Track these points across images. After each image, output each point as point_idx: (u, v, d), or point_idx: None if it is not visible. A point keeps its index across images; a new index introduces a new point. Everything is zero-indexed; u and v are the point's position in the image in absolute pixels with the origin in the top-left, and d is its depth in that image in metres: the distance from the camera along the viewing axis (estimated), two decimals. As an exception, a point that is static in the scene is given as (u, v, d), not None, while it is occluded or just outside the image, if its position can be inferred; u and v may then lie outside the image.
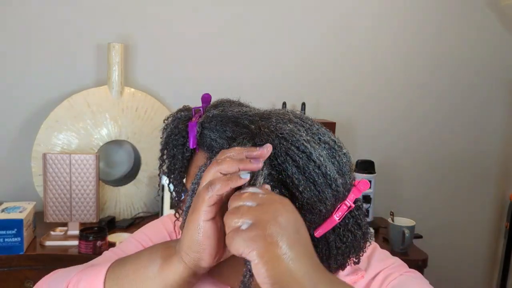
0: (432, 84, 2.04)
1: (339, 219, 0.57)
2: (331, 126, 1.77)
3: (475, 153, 2.11)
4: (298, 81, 1.92)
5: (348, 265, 0.63)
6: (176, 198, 0.65)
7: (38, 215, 1.54)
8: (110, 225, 1.59)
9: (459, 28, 2.02)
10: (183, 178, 0.63)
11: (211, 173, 0.49)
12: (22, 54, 1.69)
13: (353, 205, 0.58)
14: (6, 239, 1.36)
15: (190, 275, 0.53)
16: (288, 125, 0.56)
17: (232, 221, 0.45)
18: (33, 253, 1.40)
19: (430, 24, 2.00)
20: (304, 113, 2.03)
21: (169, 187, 0.65)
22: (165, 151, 0.63)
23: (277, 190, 0.53)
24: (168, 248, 0.55)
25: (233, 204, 0.47)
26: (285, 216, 0.45)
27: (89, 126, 1.66)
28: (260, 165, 0.50)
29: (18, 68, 1.70)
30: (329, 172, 0.55)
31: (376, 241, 1.67)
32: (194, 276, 0.54)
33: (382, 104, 2.01)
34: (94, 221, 1.53)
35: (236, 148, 0.51)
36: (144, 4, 1.76)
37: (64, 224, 1.54)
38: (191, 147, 0.59)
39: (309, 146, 0.54)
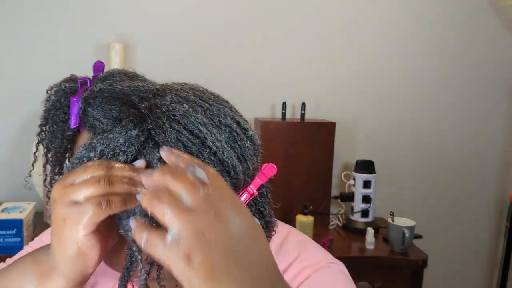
0: (432, 84, 2.04)
1: None
2: (331, 126, 1.77)
3: (475, 153, 2.11)
4: (298, 81, 1.92)
5: None
6: (50, 182, 0.57)
7: (38, 215, 1.54)
8: (110, 225, 1.58)
9: (459, 28, 2.02)
10: (61, 159, 0.56)
11: (96, 189, 0.43)
12: (22, 54, 1.69)
13: (256, 192, 0.54)
14: (6, 239, 1.36)
15: (76, 285, 0.48)
16: (184, 105, 0.49)
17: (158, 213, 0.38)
18: (33, 253, 1.40)
19: (430, 24, 2.00)
20: (304, 113, 2.01)
21: (44, 168, 0.57)
22: (45, 127, 0.55)
23: None
24: (39, 263, 0.49)
25: (157, 188, 0.40)
26: (237, 229, 0.39)
27: (89, 126, 1.66)
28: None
29: (18, 68, 1.69)
30: (226, 159, 0.49)
31: (376, 241, 1.69)
32: (80, 284, 0.48)
33: (382, 104, 2.01)
34: (94, 221, 1.52)
35: (122, 166, 0.45)
36: (144, 4, 1.76)
37: (64, 224, 1.54)
38: (71, 126, 0.52)
39: (204, 130, 0.48)
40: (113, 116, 0.50)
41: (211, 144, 0.48)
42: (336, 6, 1.91)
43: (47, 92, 0.55)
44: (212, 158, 0.48)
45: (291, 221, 1.67)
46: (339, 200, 1.84)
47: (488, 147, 2.13)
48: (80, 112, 0.51)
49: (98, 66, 0.58)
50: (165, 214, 0.38)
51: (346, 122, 1.96)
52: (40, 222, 1.53)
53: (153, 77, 1.80)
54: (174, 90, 0.52)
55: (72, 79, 0.55)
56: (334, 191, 1.88)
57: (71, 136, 0.54)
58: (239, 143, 0.52)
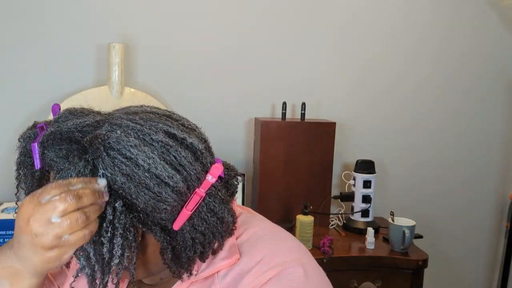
0: (431, 84, 2.04)
1: (191, 211, 0.58)
2: (331, 126, 1.77)
3: (475, 153, 2.11)
4: (298, 81, 1.92)
5: (209, 253, 0.63)
6: None
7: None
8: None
9: (459, 28, 2.02)
10: None
11: (69, 206, 0.53)
12: (22, 54, 1.69)
13: (203, 194, 0.59)
14: (6, 239, 1.37)
15: (44, 279, 0.60)
16: (117, 131, 0.56)
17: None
18: (33, 253, 1.40)
19: (430, 24, 2.00)
20: (304, 113, 2.00)
21: None
22: (19, 171, 0.65)
23: (120, 201, 0.55)
24: (7, 268, 0.59)
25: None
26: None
27: (89, 126, 1.66)
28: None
29: (18, 68, 1.69)
30: (161, 172, 0.55)
31: (376, 241, 1.69)
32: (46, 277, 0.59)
33: (382, 104, 2.01)
34: (94, 221, 1.52)
35: (80, 180, 0.55)
36: (144, 4, 1.76)
37: (64, 224, 1.54)
38: (36, 168, 0.60)
39: (135, 152, 0.54)
40: (63, 154, 0.57)
41: (142, 162, 0.54)
42: (336, 6, 1.91)
43: (18, 140, 0.64)
44: (147, 174, 0.54)
45: (291, 221, 1.67)
46: (339, 200, 1.84)
47: (488, 147, 2.13)
48: (40, 155, 0.59)
49: (54, 109, 0.64)
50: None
51: (346, 122, 1.96)
52: (40, 222, 1.53)
53: (153, 77, 1.80)
54: (110, 119, 0.59)
55: (34, 125, 0.63)
56: (334, 191, 1.88)
57: (39, 176, 0.64)
58: (173, 154, 0.57)
